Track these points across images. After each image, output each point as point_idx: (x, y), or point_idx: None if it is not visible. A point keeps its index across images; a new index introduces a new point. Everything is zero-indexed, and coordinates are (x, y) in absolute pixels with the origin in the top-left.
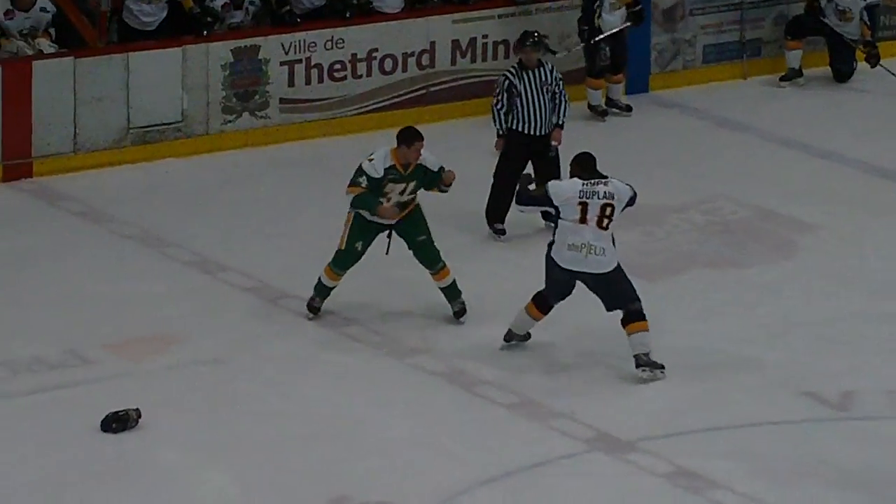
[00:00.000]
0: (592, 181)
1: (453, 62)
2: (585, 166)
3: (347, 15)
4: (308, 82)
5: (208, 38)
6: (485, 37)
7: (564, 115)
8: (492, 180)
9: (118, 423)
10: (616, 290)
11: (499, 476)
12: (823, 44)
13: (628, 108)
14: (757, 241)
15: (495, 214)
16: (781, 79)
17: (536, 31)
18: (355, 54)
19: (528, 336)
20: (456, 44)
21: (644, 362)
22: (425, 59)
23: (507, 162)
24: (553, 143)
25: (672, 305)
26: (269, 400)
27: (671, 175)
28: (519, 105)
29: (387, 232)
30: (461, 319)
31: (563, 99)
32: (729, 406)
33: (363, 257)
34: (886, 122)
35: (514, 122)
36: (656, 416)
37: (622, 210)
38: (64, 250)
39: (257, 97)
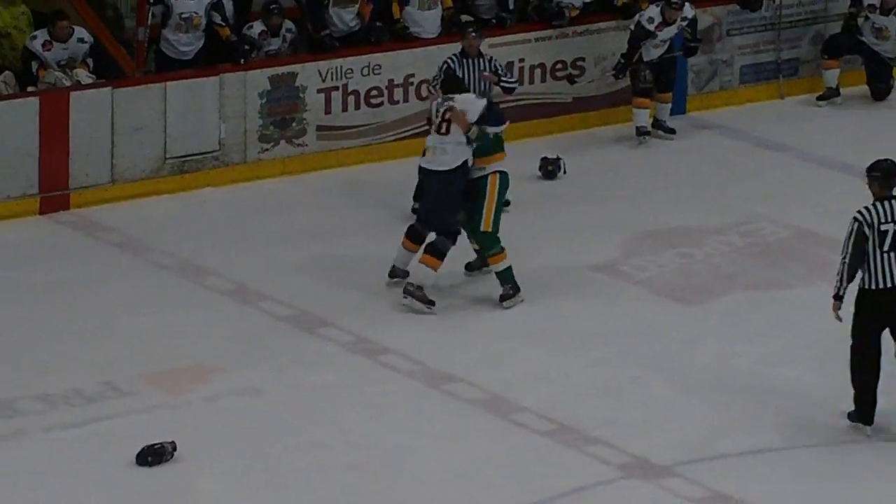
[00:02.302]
0: (449, 96)
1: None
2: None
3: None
4: (345, 109)
5: (246, 66)
6: (521, 60)
7: (511, 83)
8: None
9: (154, 456)
10: (438, 210)
11: None
12: (861, 62)
13: (671, 131)
14: (797, 262)
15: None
16: (819, 98)
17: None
18: (392, 80)
19: (407, 273)
20: None
21: (410, 292)
22: None
23: None
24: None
25: (712, 328)
26: (308, 430)
27: (710, 196)
28: None
29: None
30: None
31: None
32: (768, 429)
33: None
34: None
35: None
36: (693, 441)
37: (475, 119)
38: (102, 281)
39: (294, 125)
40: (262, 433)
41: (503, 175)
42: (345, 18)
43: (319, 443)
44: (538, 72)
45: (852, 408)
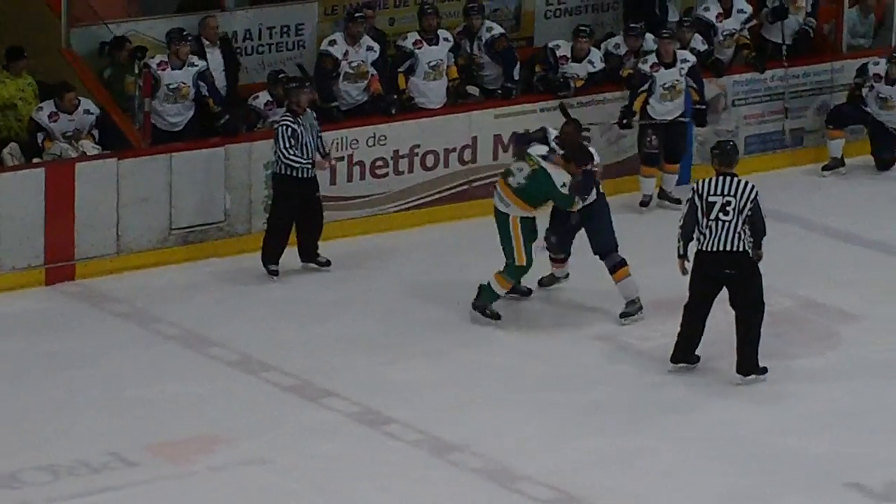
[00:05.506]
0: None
1: (495, 157)
2: None
3: (393, 112)
4: (350, 179)
5: (251, 137)
6: (526, 131)
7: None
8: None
9: None
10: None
11: None
12: (865, 132)
13: (678, 202)
14: (801, 332)
15: (269, 256)
16: (824, 168)
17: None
18: (397, 150)
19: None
20: (498, 138)
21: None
22: (467, 155)
23: (279, 206)
24: (324, 169)
25: (716, 395)
26: (314, 500)
27: None
28: (298, 149)
29: None
30: None
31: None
32: (773, 498)
33: None
34: None
35: (286, 168)
36: None
37: None
38: (107, 352)
39: None
40: (268, 503)
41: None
42: (353, 93)
43: None
44: None
45: (856, 477)
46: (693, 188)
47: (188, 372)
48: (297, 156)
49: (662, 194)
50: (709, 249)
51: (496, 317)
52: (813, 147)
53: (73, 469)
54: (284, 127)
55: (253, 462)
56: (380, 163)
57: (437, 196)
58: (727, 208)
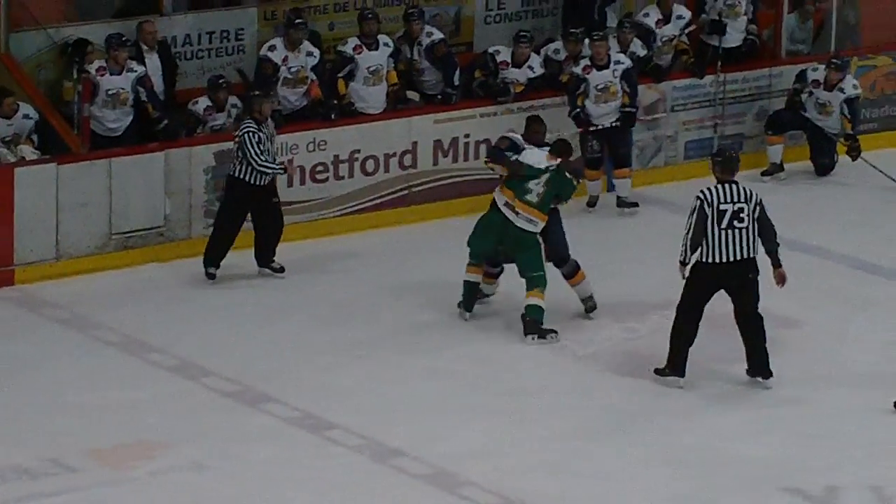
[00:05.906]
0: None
1: (435, 162)
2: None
3: (332, 117)
4: (290, 184)
5: (190, 141)
6: (466, 136)
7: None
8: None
9: None
10: None
11: None
12: (804, 138)
13: (634, 205)
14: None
15: (210, 259)
16: (763, 173)
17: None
18: (337, 155)
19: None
20: (438, 144)
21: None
22: (407, 160)
23: (229, 210)
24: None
25: (657, 402)
26: None
27: (653, 272)
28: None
29: None
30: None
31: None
32: (715, 503)
33: None
34: (868, 216)
35: (244, 172)
36: None
37: None
38: (46, 358)
39: None
40: None
41: None
42: (291, 98)
43: None
44: (483, 147)
45: (796, 482)
46: (700, 198)
47: (128, 378)
48: (268, 161)
49: (620, 202)
50: (723, 260)
51: (553, 331)
52: (752, 152)
53: (12, 474)
54: (251, 134)
55: (192, 468)
56: (320, 168)
57: (377, 201)
58: (741, 215)
